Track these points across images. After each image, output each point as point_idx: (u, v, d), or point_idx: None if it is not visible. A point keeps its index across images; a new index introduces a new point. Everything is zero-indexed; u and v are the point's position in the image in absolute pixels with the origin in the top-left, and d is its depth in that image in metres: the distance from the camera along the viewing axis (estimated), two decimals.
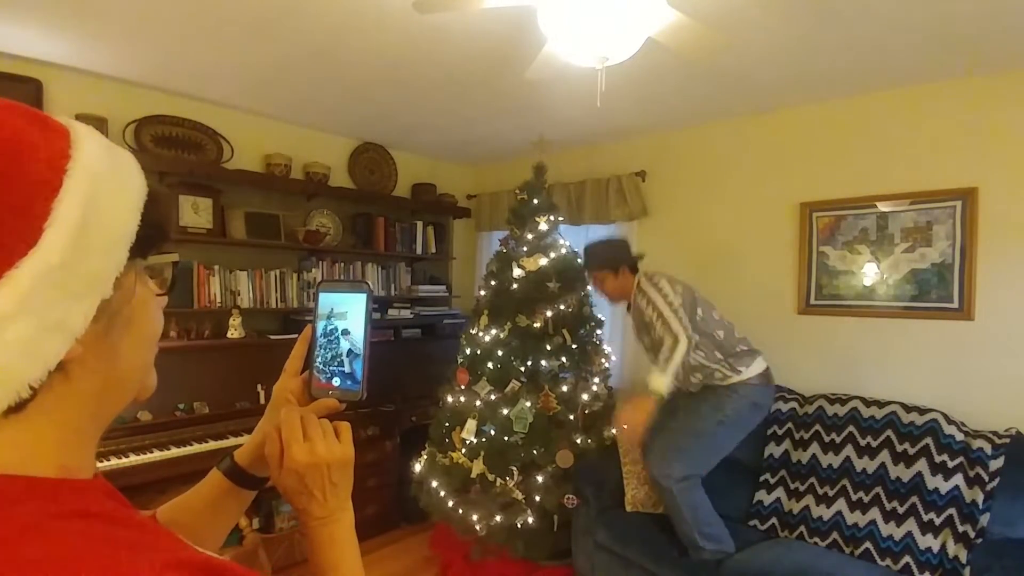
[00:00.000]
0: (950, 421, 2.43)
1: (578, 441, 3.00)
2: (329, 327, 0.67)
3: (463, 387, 3.17)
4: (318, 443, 0.62)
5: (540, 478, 2.89)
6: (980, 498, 2.26)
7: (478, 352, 3.16)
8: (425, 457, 3.28)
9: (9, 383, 0.38)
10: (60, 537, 0.37)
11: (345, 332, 0.67)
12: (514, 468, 2.93)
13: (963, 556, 2.21)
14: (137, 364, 0.49)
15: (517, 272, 3.18)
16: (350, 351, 0.67)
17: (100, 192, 0.42)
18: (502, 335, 3.12)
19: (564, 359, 3.11)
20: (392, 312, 4.01)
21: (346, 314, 0.67)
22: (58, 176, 0.40)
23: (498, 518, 2.87)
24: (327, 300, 0.67)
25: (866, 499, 2.47)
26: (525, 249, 3.21)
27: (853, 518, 2.47)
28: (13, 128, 0.39)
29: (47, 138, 0.41)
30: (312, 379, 0.67)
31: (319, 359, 0.67)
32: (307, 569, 0.63)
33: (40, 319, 0.39)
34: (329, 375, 0.67)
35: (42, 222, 0.39)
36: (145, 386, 0.51)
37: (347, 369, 0.66)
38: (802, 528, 2.58)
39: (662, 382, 2.41)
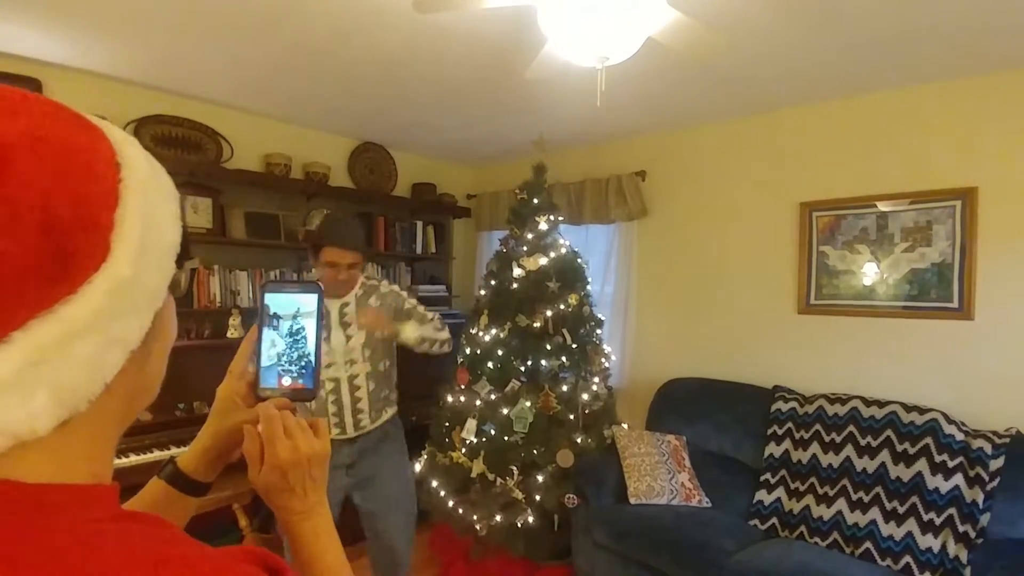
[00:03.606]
0: (950, 421, 2.43)
1: (578, 441, 3.00)
2: (279, 327, 0.67)
3: (463, 387, 3.17)
4: (299, 439, 0.62)
5: (540, 478, 2.89)
6: (980, 498, 2.26)
7: (478, 352, 3.16)
8: (425, 457, 3.28)
9: (73, 399, 0.38)
10: (131, 539, 0.37)
11: (297, 331, 0.67)
12: (514, 468, 2.93)
13: (963, 556, 2.21)
14: (160, 371, 0.49)
15: (517, 272, 3.18)
16: (301, 350, 0.67)
17: (152, 202, 0.42)
18: (502, 335, 3.12)
19: (564, 359, 3.11)
20: None
21: (297, 314, 0.67)
22: (115, 186, 0.39)
23: (498, 518, 2.87)
24: (276, 300, 0.68)
25: (866, 499, 2.47)
26: (525, 249, 3.21)
27: (853, 518, 2.47)
28: (67, 136, 0.38)
29: (97, 146, 0.40)
30: (259, 379, 0.67)
31: (268, 359, 0.67)
32: None
33: (106, 334, 0.39)
34: (278, 375, 0.67)
35: (109, 235, 0.38)
36: (155, 392, 0.51)
37: (297, 368, 0.67)
38: (802, 528, 2.58)
39: (413, 331, 2.23)
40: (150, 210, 0.41)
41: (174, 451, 2.70)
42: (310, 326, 0.67)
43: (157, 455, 2.64)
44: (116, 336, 0.39)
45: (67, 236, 0.36)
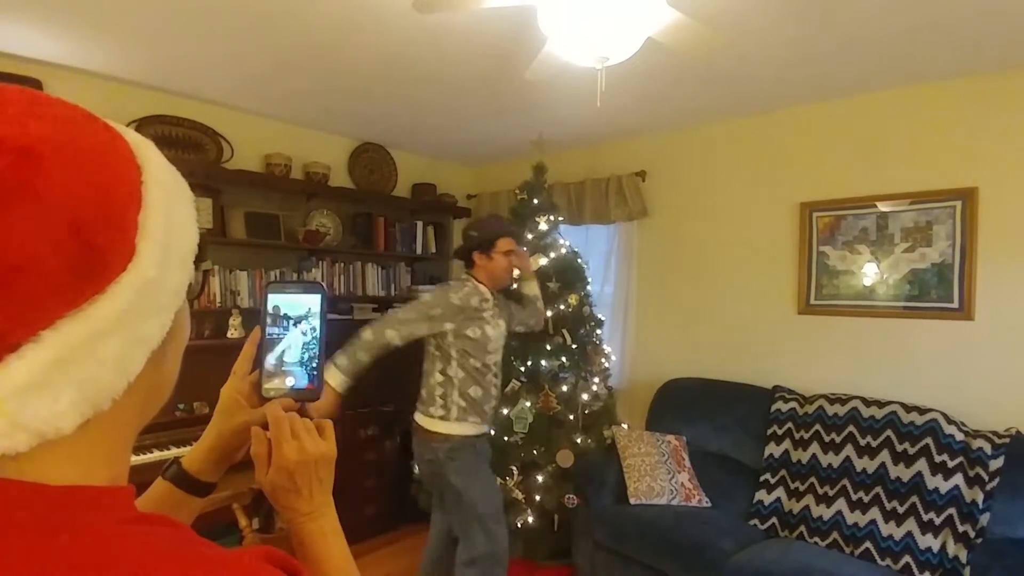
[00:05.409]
0: (950, 421, 2.43)
1: (578, 441, 3.01)
2: (283, 327, 0.68)
3: None
4: (306, 441, 0.63)
5: (540, 478, 2.90)
6: (980, 498, 2.26)
7: None
8: None
9: (98, 398, 0.38)
10: (154, 541, 0.37)
11: (301, 332, 0.68)
12: (514, 468, 2.93)
13: (963, 556, 2.21)
14: (174, 371, 0.49)
15: (517, 272, 3.18)
16: (305, 350, 0.67)
17: (172, 203, 0.42)
18: None
19: (564, 359, 3.12)
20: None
21: (300, 315, 0.68)
22: (138, 188, 0.40)
23: None
24: (279, 301, 0.68)
25: (866, 499, 2.47)
26: (525, 249, 3.22)
27: (853, 518, 2.47)
28: (90, 137, 0.39)
29: (118, 147, 0.40)
30: (262, 380, 0.67)
31: (272, 359, 0.67)
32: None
33: (131, 333, 0.39)
34: (282, 375, 0.67)
35: (134, 236, 0.39)
36: (169, 392, 0.52)
37: (301, 368, 0.67)
38: (802, 528, 2.58)
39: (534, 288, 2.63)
40: (171, 211, 0.42)
41: (174, 451, 2.71)
42: (314, 326, 0.68)
43: (157, 455, 2.64)
44: (141, 335, 0.40)
45: (96, 236, 0.36)
